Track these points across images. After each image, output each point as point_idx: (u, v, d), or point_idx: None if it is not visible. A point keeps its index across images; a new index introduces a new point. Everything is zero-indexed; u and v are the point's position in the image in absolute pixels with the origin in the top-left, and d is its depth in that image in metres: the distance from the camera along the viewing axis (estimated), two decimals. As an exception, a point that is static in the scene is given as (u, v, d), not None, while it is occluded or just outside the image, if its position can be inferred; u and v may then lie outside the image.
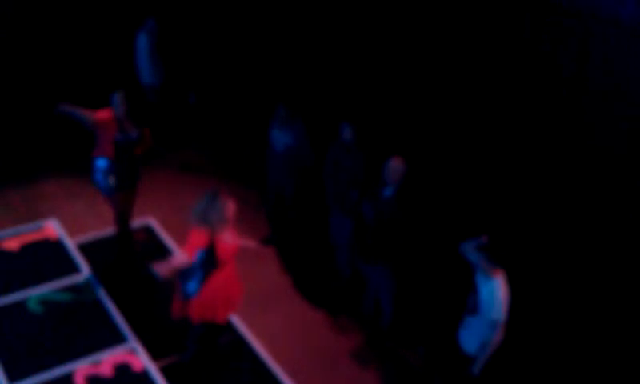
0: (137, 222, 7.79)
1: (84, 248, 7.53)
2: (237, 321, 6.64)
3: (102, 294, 6.93)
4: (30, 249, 7.56)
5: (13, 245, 7.60)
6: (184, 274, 5.67)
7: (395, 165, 6.07)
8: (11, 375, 6.07)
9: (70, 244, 7.61)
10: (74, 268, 7.29)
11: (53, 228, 7.86)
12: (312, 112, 7.71)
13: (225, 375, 6.21)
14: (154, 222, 7.98)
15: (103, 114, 6.78)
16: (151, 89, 9.06)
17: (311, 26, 8.95)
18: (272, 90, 8.80)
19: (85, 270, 7.23)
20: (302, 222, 7.81)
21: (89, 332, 6.53)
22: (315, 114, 7.93)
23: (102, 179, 6.83)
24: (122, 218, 7.18)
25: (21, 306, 6.80)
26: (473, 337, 5.39)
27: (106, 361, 6.20)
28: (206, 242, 5.54)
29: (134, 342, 6.41)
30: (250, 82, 9.52)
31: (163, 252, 7.46)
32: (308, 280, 7.33)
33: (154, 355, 6.30)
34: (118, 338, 6.47)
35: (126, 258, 7.35)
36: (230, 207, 5.56)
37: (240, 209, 5.98)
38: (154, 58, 8.87)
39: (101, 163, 6.80)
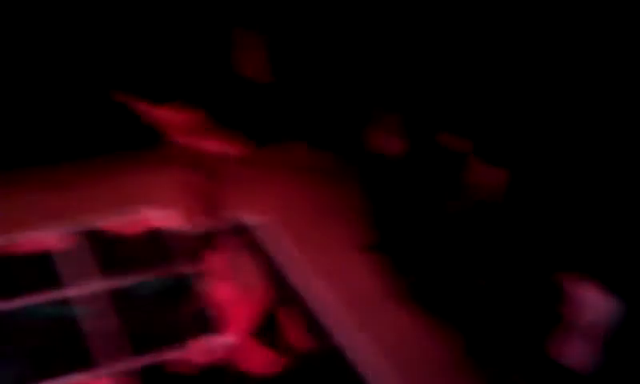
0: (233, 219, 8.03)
1: (189, 237, 7.75)
2: (345, 325, 6.84)
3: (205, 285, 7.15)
4: (141, 236, 7.91)
5: (124, 229, 7.95)
6: None
7: None
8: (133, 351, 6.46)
9: (178, 232, 7.89)
10: (180, 257, 7.57)
11: (159, 216, 8.15)
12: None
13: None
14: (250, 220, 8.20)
15: None
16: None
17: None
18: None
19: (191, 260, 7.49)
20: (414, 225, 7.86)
21: (202, 319, 6.77)
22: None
23: None
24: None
25: (132, 290, 7.17)
26: None
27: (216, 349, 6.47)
28: None
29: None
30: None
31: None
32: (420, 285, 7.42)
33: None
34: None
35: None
36: None
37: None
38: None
39: None
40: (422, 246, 7.54)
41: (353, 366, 6.48)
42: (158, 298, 7.07)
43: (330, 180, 9.01)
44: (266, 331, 5.96)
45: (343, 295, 7.22)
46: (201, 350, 6.44)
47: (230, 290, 6.60)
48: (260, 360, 5.90)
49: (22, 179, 8.62)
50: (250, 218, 8.23)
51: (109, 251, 7.64)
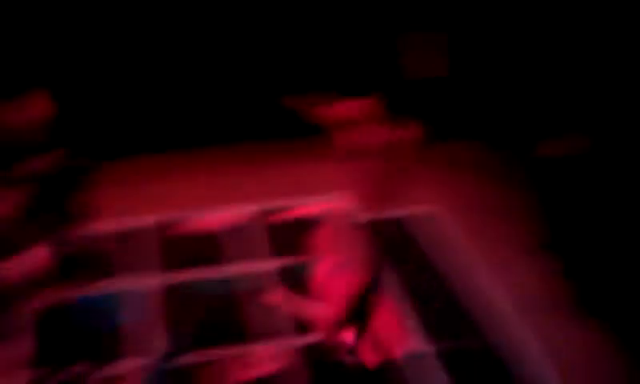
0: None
1: (368, 225, 7.75)
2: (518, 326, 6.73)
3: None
4: (321, 219, 7.87)
5: (307, 212, 8.16)
6: None
7: None
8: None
9: (358, 220, 7.83)
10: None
11: (344, 202, 8.16)
12: None
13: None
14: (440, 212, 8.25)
15: None
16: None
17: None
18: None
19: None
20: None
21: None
22: None
23: None
24: None
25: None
26: None
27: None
28: None
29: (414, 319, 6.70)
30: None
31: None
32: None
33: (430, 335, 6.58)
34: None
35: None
36: None
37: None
38: None
39: None
40: (595, 252, 7.26)
41: (511, 364, 6.35)
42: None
43: (501, 179, 8.86)
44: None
45: (507, 293, 7.10)
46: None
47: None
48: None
49: (202, 159, 9.12)
50: (418, 209, 8.24)
51: (278, 233, 7.87)
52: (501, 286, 7.17)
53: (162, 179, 8.78)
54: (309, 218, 8.02)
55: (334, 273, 5.39)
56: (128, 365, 6.17)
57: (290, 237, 7.74)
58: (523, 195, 8.38)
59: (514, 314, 6.82)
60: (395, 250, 7.61)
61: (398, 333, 5.76)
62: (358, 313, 5.47)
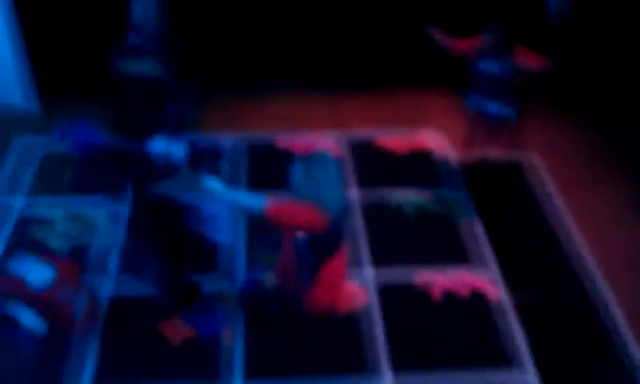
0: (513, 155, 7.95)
1: (461, 166, 7.82)
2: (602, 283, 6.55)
3: (473, 215, 7.20)
4: (411, 153, 8.02)
5: (397, 146, 8.09)
6: None
7: None
8: (377, 266, 6.58)
9: (451, 158, 7.97)
10: (450, 183, 7.62)
11: (433, 138, 8.24)
12: None
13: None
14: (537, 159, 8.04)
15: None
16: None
17: None
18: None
19: (460, 188, 7.53)
20: None
21: (454, 248, 6.84)
22: None
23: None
24: None
25: (396, 206, 7.27)
26: None
27: (465, 281, 6.46)
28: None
29: (494, 271, 6.62)
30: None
31: (538, 191, 7.58)
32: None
33: (514, 288, 6.46)
34: (480, 262, 6.70)
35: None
36: None
37: None
38: None
39: None
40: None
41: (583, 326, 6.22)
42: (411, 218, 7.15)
43: (611, 131, 8.50)
44: None
45: (598, 251, 6.85)
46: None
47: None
48: None
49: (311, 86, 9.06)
50: (516, 154, 7.99)
51: (374, 163, 7.85)
52: (592, 243, 6.93)
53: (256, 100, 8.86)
54: (409, 152, 8.00)
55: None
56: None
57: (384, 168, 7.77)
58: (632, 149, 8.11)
59: (599, 274, 6.60)
60: (486, 194, 7.45)
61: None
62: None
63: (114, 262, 6.53)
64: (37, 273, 5.62)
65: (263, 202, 4.52)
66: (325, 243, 4.81)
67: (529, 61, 6.80)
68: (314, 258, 4.85)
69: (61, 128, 6.10)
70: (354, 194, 7.39)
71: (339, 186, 4.81)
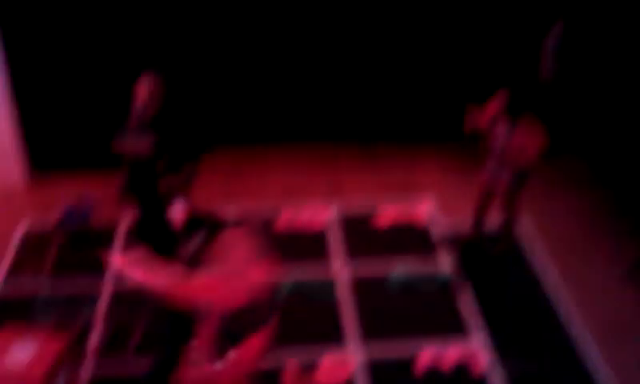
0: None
1: (450, 235, 7.80)
2: (588, 352, 6.45)
3: (458, 287, 7.14)
4: (400, 224, 8.01)
5: (387, 217, 8.10)
6: None
7: None
8: (364, 340, 6.54)
9: (438, 229, 7.94)
10: (438, 252, 7.60)
11: (425, 208, 8.24)
12: None
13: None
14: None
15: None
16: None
17: None
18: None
19: (446, 257, 7.52)
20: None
21: (439, 318, 6.78)
22: None
23: None
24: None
25: (383, 277, 7.24)
26: None
27: (451, 351, 6.37)
28: None
29: (481, 340, 6.53)
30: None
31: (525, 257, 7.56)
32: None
33: (505, 357, 6.36)
34: (465, 332, 6.64)
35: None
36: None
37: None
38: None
39: None
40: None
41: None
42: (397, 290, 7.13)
43: (595, 194, 8.54)
44: None
45: (588, 318, 6.79)
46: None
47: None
48: None
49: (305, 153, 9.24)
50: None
51: (366, 235, 7.87)
52: (582, 311, 6.86)
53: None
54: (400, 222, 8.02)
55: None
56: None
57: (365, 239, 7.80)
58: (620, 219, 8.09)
59: (590, 340, 6.52)
60: (478, 264, 7.44)
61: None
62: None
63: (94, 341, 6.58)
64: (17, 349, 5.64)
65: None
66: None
67: (525, 144, 6.92)
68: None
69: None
70: (343, 265, 7.39)
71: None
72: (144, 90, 6.51)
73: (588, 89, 9.00)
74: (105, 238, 7.71)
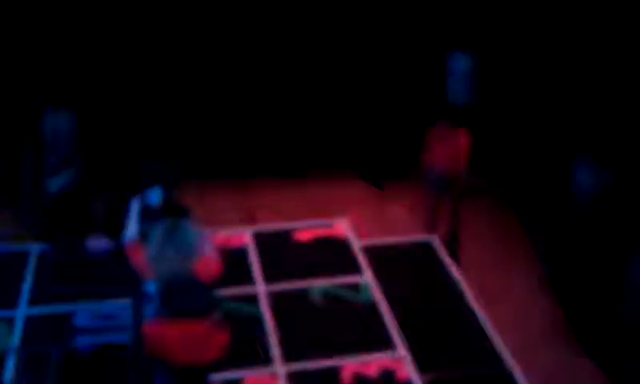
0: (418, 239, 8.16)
1: (368, 251, 7.93)
2: (506, 359, 6.60)
3: (379, 299, 7.25)
4: (319, 242, 8.11)
5: (304, 236, 8.19)
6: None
7: None
8: (288, 355, 6.53)
9: (356, 245, 8.05)
10: (357, 268, 7.70)
11: (343, 226, 8.33)
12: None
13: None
14: (435, 241, 8.15)
15: None
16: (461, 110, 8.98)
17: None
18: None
19: (366, 272, 7.62)
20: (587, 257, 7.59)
21: (361, 331, 6.86)
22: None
23: None
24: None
25: (304, 294, 7.30)
26: None
27: (373, 363, 6.47)
28: None
29: (402, 350, 6.64)
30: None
31: (442, 272, 7.69)
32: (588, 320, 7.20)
33: (422, 367, 6.47)
34: (387, 343, 6.71)
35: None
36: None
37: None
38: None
39: None
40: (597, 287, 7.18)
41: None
42: (318, 306, 7.18)
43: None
44: None
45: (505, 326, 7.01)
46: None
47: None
48: None
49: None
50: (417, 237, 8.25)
51: (283, 254, 7.92)
52: (499, 318, 7.06)
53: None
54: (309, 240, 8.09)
55: None
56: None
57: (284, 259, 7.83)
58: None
59: (507, 347, 6.66)
60: (394, 275, 7.55)
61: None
62: None
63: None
64: None
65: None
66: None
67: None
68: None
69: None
70: (261, 287, 7.37)
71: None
72: (53, 126, 6.46)
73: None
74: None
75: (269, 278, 7.51)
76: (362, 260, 7.78)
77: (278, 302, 7.20)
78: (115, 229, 6.01)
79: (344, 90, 9.55)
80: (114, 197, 6.22)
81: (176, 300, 5.26)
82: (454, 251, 7.97)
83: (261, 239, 8.11)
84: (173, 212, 5.76)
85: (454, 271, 7.61)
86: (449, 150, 7.80)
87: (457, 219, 8.12)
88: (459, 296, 7.35)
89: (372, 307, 7.14)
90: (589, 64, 8.51)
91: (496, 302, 7.32)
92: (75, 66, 8.64)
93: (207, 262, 5.56)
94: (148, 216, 5.79)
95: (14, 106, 8.63)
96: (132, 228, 5.56)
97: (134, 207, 5.68)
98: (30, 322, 6.79)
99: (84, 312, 6.86)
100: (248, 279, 7.46)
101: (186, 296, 5.27)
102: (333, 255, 7.88)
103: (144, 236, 5.59)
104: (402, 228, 8.44)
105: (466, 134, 7.83)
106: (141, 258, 5.40)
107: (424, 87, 9.20)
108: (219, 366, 5.69)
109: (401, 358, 6.53)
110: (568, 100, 8.72)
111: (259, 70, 9.27)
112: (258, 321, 6.91)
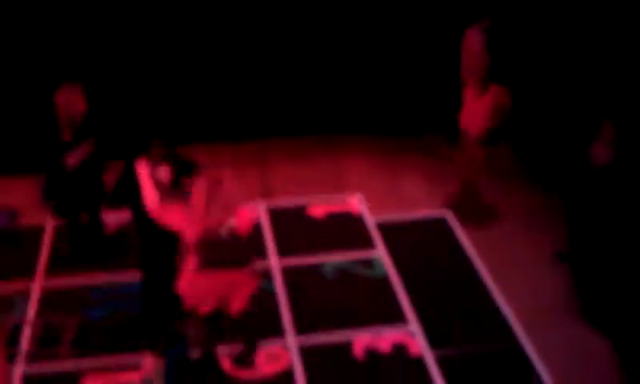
0: (433, 214, 8.21)
1: (381, 227, 7.95)
2: (518, 335, 6.64)
3: (392, 274, 7.28)
4: (332, 218, 8.13)
5: (318, 212, 8.22)
6: None
7: None
8: (299, 329, 6.60)
9: (370, 220, 8.07)
10: (370, 243, 7.73)
11: (356, 202, 8.36)
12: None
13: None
14: (450, 216, 8.21)
15: None
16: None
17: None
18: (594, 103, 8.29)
19: (380, 248, 7.65)
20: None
21: (374, 306, 6.88)
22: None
23: None
24: None
25: (317, 269, 7.34)
26: None
27: (386, 337, 6.50)
28: None
29: (414, 326, 6.68)
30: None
31: (456, 247, 7.74)
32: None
33: (433, 343, 6.50)
34: (400, 318, 6.76)
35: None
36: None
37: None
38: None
39: None
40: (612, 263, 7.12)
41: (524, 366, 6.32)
42: (332, 281, 7.21)
43: (528, 185, 8.83)
44: None
45: (517, 300, 7.01)
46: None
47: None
48: None
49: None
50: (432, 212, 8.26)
51: (297, 229, 7.95)
52: (511, 292, 7.08)
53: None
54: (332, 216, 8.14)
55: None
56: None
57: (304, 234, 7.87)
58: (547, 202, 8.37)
59: (518, 322, 6.71)
60: (407, 251, 7.58)
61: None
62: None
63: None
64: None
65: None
66: None
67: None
68: None
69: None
70: (275, 261, 7.42)
71: None
72: (67, 100, 6.50)
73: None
74: (31, 240, 7.65)
75: (282, 252, 7.56)
76: (376, 235, 7.82)
77: (292, 276, 7.25)
78: (129, 197, 6.10)
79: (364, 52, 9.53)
80: (126, 167, 6.25)
81: (212, 251, 5.55)
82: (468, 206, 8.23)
83: (275, 215, 8.17)
84: (184, 170, 6.00)
85: (468, 246, 7.66)
86: (481, 108, 7.83)
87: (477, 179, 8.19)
88: (473, 271, 7.37)
89: (385, 282, 7.18)
90: (604, 42, 8.45)
91: (509, 276, 7.30)
92: (86, 43, 8.68)
93: (242, 215, 5.95)
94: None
95: (29, 83, 8.67)
96: (152, 194, 5.69)
97: (144, 175, 5.82)
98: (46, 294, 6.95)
99: (98, 285, 7.03)
100: (261, 254, 7.51)
101: (222, 247, 5.58)
102: (346, 231, 7.90)
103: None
104: (416, 203, 8.40)
105: (498, 93, 7.88)
106: (176, 218, 5.59)
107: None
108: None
109: (413, 334, 6.59)
110: (588, 70, 8.65)
111: (267, 38, 9.26)
112: (270, 295, 6.98)
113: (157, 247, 6.01)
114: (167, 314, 6.16)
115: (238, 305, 5.69)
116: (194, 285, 5.58)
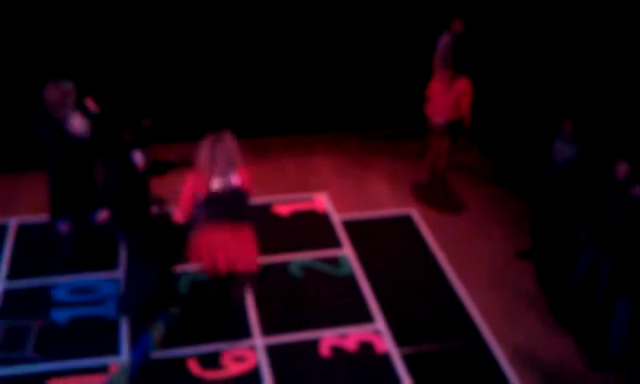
0: (398, 212, 8.28)
1: (347, 225, 7.99)
2: (483, 331, 6.74)
3: (358, 272, 7.31)
4: (298, 217, 8.13)
5: (284, 210, 8.21)
6: None
7: None
8: (265, 328, 6.58)
9: (336, 219, 8.10)
10: (336, 242, 7.75)
11: (322, 201, 8.38)
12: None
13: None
14: (415, 214, 8.28)
15: None
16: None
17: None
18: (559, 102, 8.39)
19: (346, 246, 7.68)
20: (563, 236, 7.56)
21: (340, 305, 6.90)
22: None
23: None
24: None
25: (283, 268, 7.34)
26: None
27: (352, 336, 6.54)
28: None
29: (380, 324, 6.72)
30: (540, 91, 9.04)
31: (420, 245, 7.79)
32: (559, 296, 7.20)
33: (399, 341, 6.55)
34: (365, 317, 6.79)
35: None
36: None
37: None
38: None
39: None
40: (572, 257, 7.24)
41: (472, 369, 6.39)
42: (298, 280, 7.21)
43: (493, 184, 8.95)
44: None
45: (480, 292, 7.17)
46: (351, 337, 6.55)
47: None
48: None
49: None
50: (396, 210, 8.32)
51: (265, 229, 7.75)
52: (475, 289, 7.19)
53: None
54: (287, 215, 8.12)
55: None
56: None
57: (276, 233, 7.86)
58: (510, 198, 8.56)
59: (483, 319, 6.81)
60: (373, 249, 7.62)
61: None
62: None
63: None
64: None
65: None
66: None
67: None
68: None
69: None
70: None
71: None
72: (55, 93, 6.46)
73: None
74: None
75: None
76: (342, 233, 7.84)
77: (258, 275, 7.17)
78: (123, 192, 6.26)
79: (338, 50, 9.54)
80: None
81: (221, 207, 5.86)
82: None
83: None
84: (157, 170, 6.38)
85: (432, 243, 7.72)
86: (449, 99, 8.10)
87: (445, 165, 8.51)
88: (437, 269, 7.44)
89: (351, 280, 7.21)
90: (574, 46, 8.56)
91: (473, 270, 7.40)
92: (77, 38, 8.59)
93: (244, 172, 6.05)
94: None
95: (18, 77, 8.57)
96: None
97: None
98: (8, 295, 6.84)
99: (62, 286, 6.94)
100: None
101: (230, 203, 5.89)
102: (312, 229, 7.91)
103: None
104: (382, 201, 8.43)
105: (465, 83, 8.12)
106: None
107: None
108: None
109: (379, 332, 6.62)
110: (554, 71, 8.76)
111: (254, 41, 9.26)
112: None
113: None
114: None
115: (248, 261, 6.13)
116: (206, 240, 5.93)
